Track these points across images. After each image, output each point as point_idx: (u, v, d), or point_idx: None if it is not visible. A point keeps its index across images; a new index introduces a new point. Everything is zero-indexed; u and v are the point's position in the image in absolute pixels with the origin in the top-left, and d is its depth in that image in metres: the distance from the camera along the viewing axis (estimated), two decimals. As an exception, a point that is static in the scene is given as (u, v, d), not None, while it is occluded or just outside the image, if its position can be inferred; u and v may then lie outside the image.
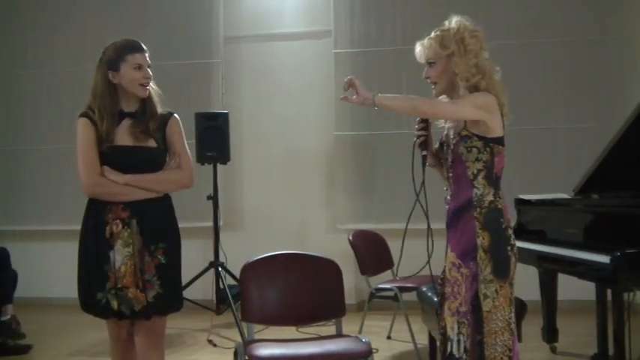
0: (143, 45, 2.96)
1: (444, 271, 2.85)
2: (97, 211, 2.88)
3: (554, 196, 4.34)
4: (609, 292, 3.78)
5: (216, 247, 5.55)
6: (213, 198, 5.57)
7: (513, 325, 2.71)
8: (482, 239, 2.69)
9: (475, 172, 2.73)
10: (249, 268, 3.37)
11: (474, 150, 2.71)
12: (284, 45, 6.66)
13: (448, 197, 2.84)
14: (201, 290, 5.80)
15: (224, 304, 5.50)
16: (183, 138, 3.03)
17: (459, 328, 2.72)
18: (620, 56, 6.08)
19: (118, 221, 2.84)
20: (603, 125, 5.38)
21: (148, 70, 2.93)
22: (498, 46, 5.93)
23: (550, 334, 4.56)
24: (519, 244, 4.09)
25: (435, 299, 3.74)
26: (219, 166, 5.68)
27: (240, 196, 6.69)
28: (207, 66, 6.64)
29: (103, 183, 2.84)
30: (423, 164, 2.85)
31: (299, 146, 6.59)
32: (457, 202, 2.78)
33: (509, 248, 2.71)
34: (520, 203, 4.45)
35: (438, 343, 2.89)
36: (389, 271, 5.15)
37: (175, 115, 3.04)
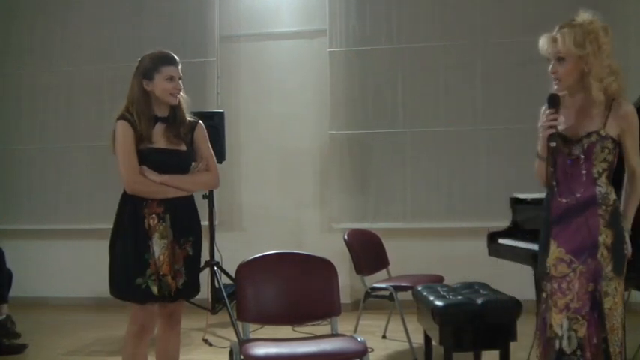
0: (176, 57, 3.27)
1: (546, 267, 2.79)
2: (134, 205, 3.15)
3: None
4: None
5: (211, 246, 5.54)
6: (209, 197, 5.57)
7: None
8: (606, 237, 2.69)
9: (600, 170, 2.74)
10: (245, 267, 3.37)
11: (606, 150, 2.73)
12: (279, 44, 6.66)
13: (557, 192, 2.78)
14: (197, 289, 5.79)
15: (219, 303, 5.49)
16: (209, 143, 3.36)
17: (569, 323, 2.68)
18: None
19: (154, 216, 3.15)
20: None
21: (179, 81, 3.24)
22: (490, 44, 6.04)
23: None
24: (514, 243, 4.13)
25: (431, 298, 3.75)
26: (214, 165, 5.66)
27: (236, 196, 6.68)
28: (203, 65, 6.63)
29: (142, 181, 3.13)
30: (554, 156, 2.75)
31: (294, 145, 6.58)
32: (576, 199, 2.74)
33: (624, 247, 2.74)
34: (515, 202, 4.46)
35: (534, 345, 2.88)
36: (384, 270, 5.16)
37: (200, 122, 3.36)
